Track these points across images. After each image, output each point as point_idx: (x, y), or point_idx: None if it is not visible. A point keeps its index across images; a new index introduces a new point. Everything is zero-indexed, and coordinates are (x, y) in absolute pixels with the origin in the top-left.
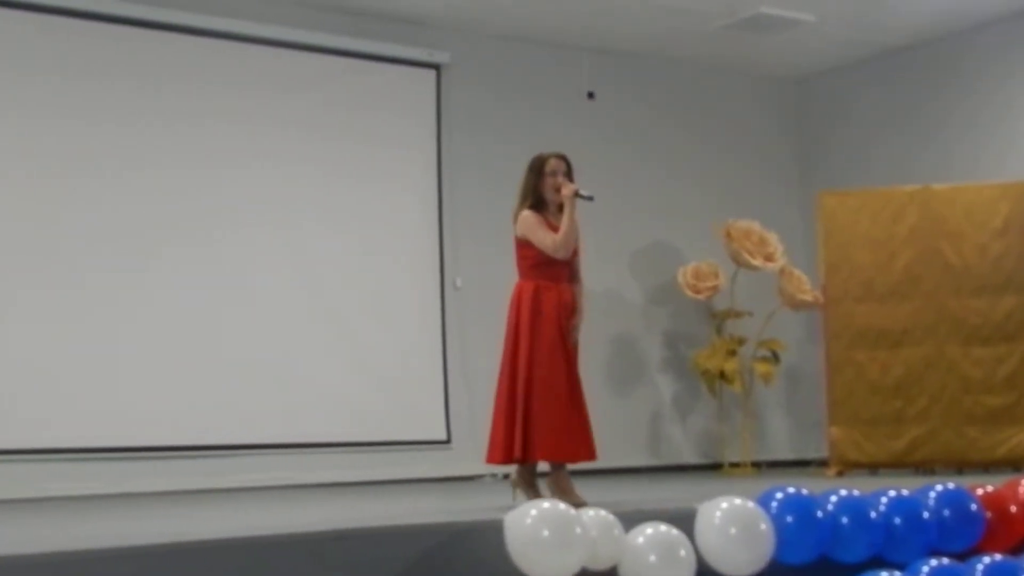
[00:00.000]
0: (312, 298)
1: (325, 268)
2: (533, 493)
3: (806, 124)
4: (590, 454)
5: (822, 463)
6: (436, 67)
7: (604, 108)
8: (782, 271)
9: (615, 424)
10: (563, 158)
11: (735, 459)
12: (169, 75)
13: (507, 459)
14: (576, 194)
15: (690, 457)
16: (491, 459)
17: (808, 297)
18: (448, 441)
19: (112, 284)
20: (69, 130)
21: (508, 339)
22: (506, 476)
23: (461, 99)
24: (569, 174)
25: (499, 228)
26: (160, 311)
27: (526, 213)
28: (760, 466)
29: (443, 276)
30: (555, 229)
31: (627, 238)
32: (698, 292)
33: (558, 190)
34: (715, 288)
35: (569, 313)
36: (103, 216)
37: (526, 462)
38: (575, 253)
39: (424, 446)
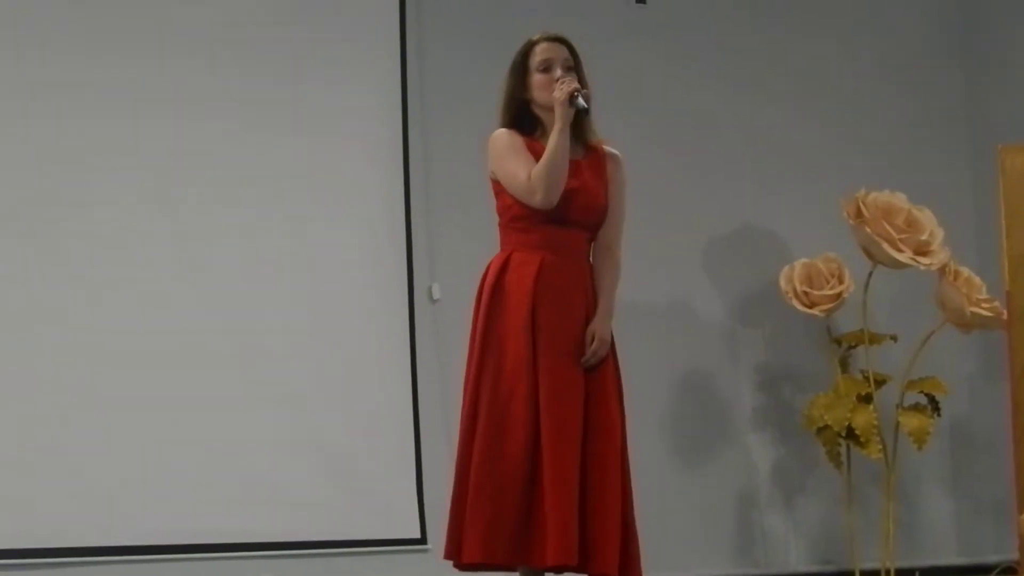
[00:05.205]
0: (210, 314)
1: (232, 274)
2: None
3: (978, 42)
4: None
5: (1009, 570)
6: None
7: (661, 15)
8: (944, 271)
9: (685, 511)
10: (561, 41)
11: (872, 564)
12: None
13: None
14: (570, 98)
15: (802, 563)
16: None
17: (985, 311)
18: (423, 540)
19: None
20: None
21: (469, 358)
22: None
23: (440, 3)
24: (577, 69)
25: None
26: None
27: (497, 133)
28: (912, 575)
29: (412, 283)
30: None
31: (700, 220)
32: (812, 305)
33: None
34: (838, 298)
35: (567, 303)
36: None
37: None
38: (600, 215)
39: (388, 548)
